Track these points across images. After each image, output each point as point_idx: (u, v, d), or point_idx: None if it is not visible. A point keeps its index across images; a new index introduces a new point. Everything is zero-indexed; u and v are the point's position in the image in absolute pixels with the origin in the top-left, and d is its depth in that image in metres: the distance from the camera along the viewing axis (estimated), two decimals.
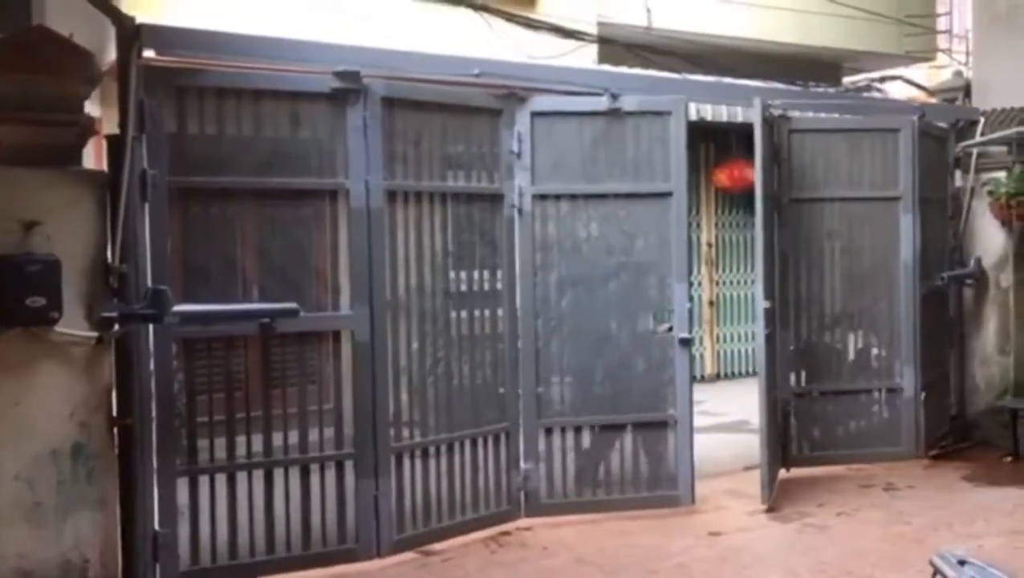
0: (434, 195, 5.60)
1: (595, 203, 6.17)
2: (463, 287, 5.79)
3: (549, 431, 6.12)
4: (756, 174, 6.58)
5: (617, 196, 6.17)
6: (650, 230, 6.23)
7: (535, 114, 6.02)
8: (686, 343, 6.21)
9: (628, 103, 6.13)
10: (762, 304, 6.54)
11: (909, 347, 7.28)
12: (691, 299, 12.01)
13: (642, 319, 6.26)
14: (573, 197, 6.14)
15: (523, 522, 5.99)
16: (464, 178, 5.78)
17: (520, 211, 6.01)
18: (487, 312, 5.88)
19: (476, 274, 5.87)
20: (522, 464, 6.05)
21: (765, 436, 6.54)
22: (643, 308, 6.27)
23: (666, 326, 6.30)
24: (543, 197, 6.08)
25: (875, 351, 7.46)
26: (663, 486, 6.25)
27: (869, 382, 7.42)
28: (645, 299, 6.26)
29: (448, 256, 5.69)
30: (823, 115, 7.69)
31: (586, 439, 6.18)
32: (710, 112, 10.56)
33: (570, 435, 6.16)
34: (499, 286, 5.94)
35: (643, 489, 6.23)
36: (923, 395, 7.27)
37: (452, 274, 5.72)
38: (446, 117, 5.65)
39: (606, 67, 10.31)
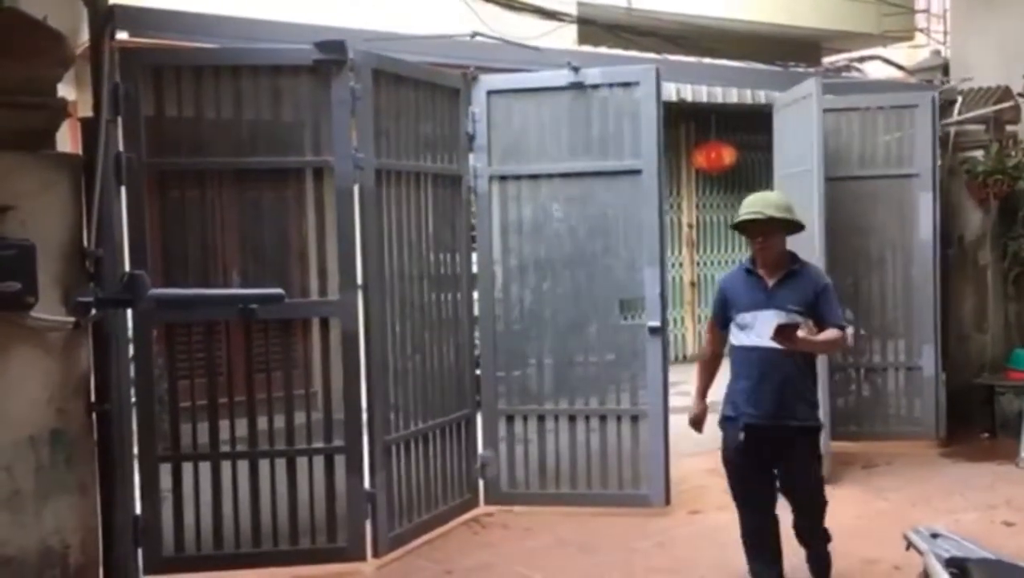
0: (409, 175, 5.42)
1: (558, 183, 5.93)
2: (434, 271, 5.65)
3: (510, 419, 5.96)
4: (814, 156, 6.49)
5: (582, 175, 5.87)
6: (618, 211, 5.88)
7: (491, 93, 5.84)
8: (657, 332, 5.80)
9: (591, 76, 5.81)
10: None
11: (928, 326, 7.20)
12: (671, 280, 12.20)
13: (610, 305, 5.94)
14: (534, 177, 5.93)
15: (496, 507, 5.91)
16: (432, 159, 5.63)
17: (476, 193, 5.87)
18: (449, 296, 5.75)
19: (444, 257, 5.73)
20: (480, 450, 5.92)
21: (827, 411, 6.42)
22: (611, 293, 5.93)
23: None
24: (502, 178, 5.91)
25: (892, 330, 7.41)
26: (631, 484, 5.90)
27: (885, 361, 7.40)
28: (613, 284, 5.92)
29: (423, 239, 5.55)
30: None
31: (549, 428, 5.96)
32: (690, 92, 10.55)
33: (532, 423, 5.97)
34: (458, 270, 5.80)
35: (611, 485, 5.92)
36: (944, 375, 7.23)
37: (431, 257, 5.60)
38: (419, 94, 5.48)
39: (587, 47, 10.30)
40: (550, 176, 5.91)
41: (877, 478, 6.59)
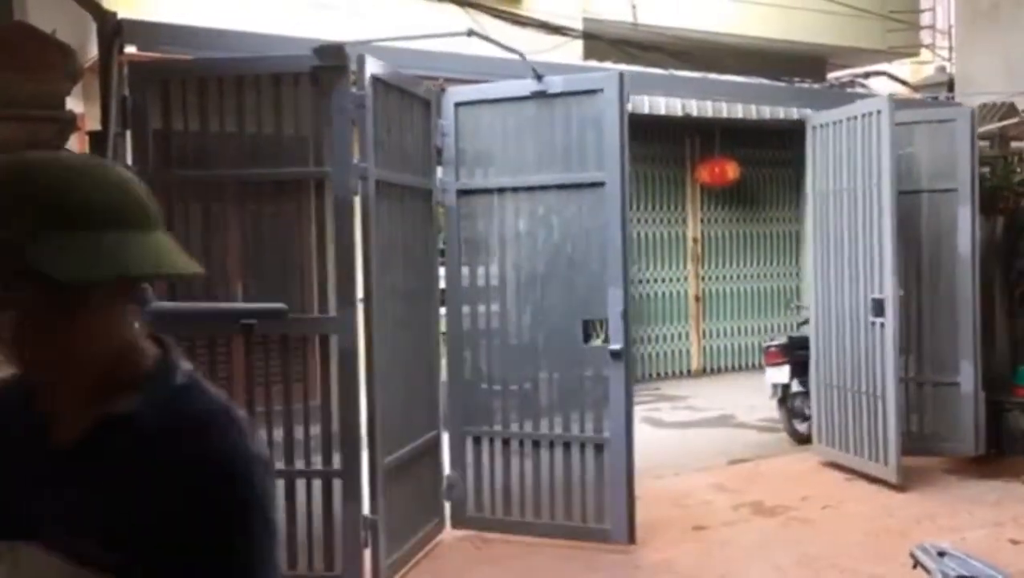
0: (396, 187, 5.19)
1: (524, 197, 5.62)
2: (414, 287, 5.44)
3: (477, 440, 5.71)
4: (884, 173, 6.54)
5: (547, 188, 5.55)
6: (582, 226, 5.51)
7: (459, 104, 5.63)
8: (619, 356, 5.33)
9: (554, 84, 5.47)
10: (896, 293, 6.55)
11: (968, 342, 7.12)
12: (677, 295, 12.22)
13: (574, 326, 5.56)
14: (501, 191, 5.64)
15: (457, 534, 5.70)
16: (412, 171, 5.43)
17: (444, 207, 5.70)
18: (424, 313, 5.55)
19: (421, 273, 5.55)
20: (446, 471, 5.73)
21: (895, 421, 6.54)
22: (574, 314, 5.53)
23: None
24: (470, 192, 5.68)
25: (926, 346, 7.31)
26: (594, 518, 5.48)
27: (923, 376, 7.33)
28: (577, 304, 5.52)
29: (408, 254, 5.34)
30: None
31: (514, 453, 5.67)
32: (695, 107, 10.58)
33: (497, 446, 5.69)
34: (430, 286, 5.63)
35: (574, 517, 5.54)
36: (983, 393, 7.16)
37: (414, 273, 5.41)
38: (403, 104, 5.28)
39: (592, 62, 10.33)
40: (516, 190, 5.62)
41: (882, 494, 6.55)
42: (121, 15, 4.57)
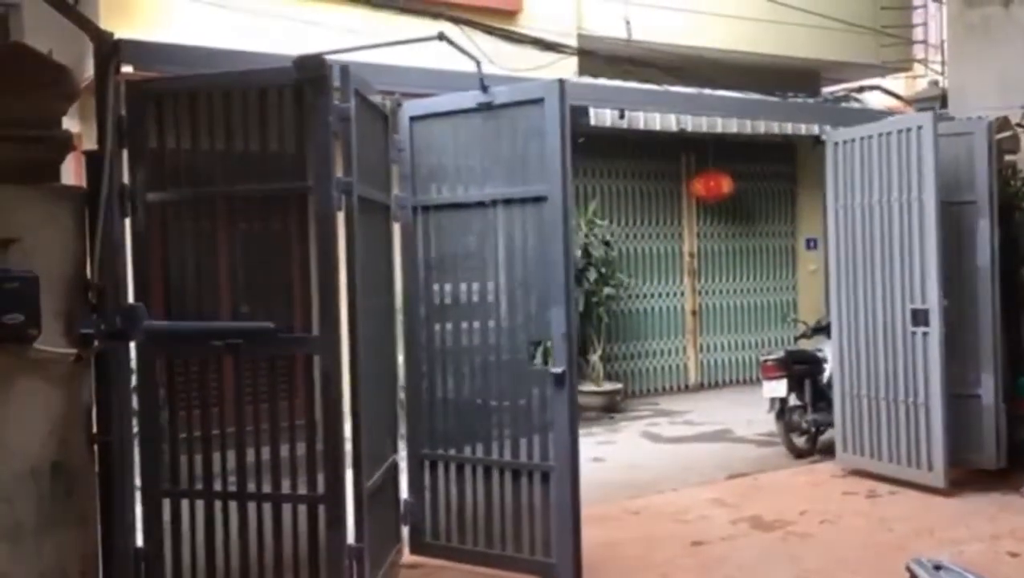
0: (369, 202, 5.06)
1: (475, 212, 5.46)
2: (379, 306, 5.29)
3: (434, 465, 5.58)
4: (928, 183, 6.73)
5: (495, 204, 5.39)
6: (528, 242, 5.32)
7: (414, 119, 5.55)
8: (562, 379, 5.07)
9: (500, 95, 5.31)
10: (940, 302, 6.70)
11: (988, 353, 7.14)
12: (674, 310, 12.23)
13: (520, 348, 5.38)
14: (455, 207, 5.52)
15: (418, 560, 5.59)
16: (376, 187, 5.29)
17: (401, 224, 5.60)
18: (385, 334, 5.44)
19: (385, 292, 5.41)
20: (404, 495, 5.62)
21: (942, 427, 6.68)
22: (521, 335, 5.37)
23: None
24: (425, 209, 5.57)
25: (948, 357, 7.19)
26: (542, 551, 5.21)
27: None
28: (527, 324, 5.36)
29: (376, 272, 5.24)
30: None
31: (467, 479, 5.49)
32: (689, 123, 10.63)
33: (452, 471, 5.54)
34: (389, 306, 5.53)
35: (524, 549, 5.29)
36: (1004, 406, 7.16)
37: (380, 293, 5.28)
38: (372, 118, 5.22)
39: (586, 79, 10.36)
40: (468, 205, 5.49)
41: (881, 508, 6.55)
42: (118, 35, 4.57)
